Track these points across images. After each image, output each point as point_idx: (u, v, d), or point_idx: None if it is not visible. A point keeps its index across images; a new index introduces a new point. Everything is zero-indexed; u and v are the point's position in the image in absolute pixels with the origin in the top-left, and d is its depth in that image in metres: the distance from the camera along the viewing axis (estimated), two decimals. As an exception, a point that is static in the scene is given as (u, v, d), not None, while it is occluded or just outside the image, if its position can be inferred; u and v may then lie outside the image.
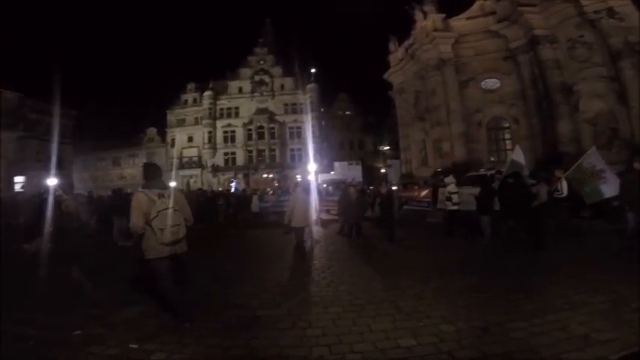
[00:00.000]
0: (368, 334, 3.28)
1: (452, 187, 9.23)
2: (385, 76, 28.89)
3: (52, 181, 12.54)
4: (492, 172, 14.08)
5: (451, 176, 9.85)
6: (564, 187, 7.96)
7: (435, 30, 22.21)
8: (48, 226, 7.17)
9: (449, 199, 9.07)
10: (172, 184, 30.05)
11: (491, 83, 21.72)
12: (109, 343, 3.18)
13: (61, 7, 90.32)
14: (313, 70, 45.39)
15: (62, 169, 33.09)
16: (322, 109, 47.97)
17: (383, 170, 37.96)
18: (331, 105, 51.47)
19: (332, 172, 32.28)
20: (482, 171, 16.15)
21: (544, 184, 7.92)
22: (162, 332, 3.39)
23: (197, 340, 3.21)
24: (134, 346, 3.11)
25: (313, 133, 44.53)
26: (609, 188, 7.31)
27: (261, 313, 3.92)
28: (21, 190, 29.98)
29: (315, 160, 26.19)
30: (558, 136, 18.37)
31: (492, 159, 21.44)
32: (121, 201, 10.33)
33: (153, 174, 3.79)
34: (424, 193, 13.63)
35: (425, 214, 12.36)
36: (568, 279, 4.68)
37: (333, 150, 49.17)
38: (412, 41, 24.68)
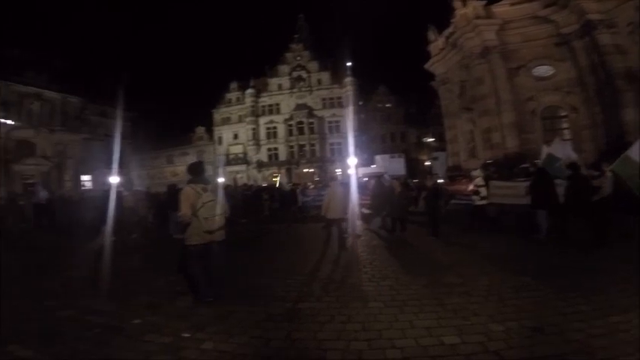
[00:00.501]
0: (410, 331, 3.25)
1: (479, 181, 8.88)
2: (426, 66, 27.90)
3: (114, 179, 13.56)
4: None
5: (479, 170, 9.43)
6: (608, 184, 7.23)
7: (477, 17, 21.11)
8: (111, 219, 7.90)
9: (476, 192, 8.78)
10: (221, 179, 31.46)
11: (544, 70, 20.34)
12: (164, 331, 3.42)
13: (111, 18, 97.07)
14: (349, 64, 44.95)
15: (122, 168, 35.84)
16: (361, 103, 47.61)
17: (427, 163, 36.88)
18: (370, 98, 50.74)
19: (373, 166, 31.88)
20: (537, 162, 15.17)
21: (606, 177, 7.22)
22: (212, 322, 3.61)
23: (242, 330, 3.38)
24: (186, 335, 3.33)
25: (352, 126, 44.31)
26: None
27: (302, 306, 4.03)
28: (88, 187, 33.10)
29: (355, 153, 25.94)
30: (624, 125, 16.78)
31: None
32: (175, 196, 10.94)
33: (198, 171, 4.35)
34: (472, 186, 13.01)
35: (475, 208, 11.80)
36: (629, 279, 4.28)
37: (374, 143, 48.49)
38: (453, 30, 23.64)
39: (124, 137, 39.36)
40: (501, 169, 16.96)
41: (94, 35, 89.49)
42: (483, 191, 8.72)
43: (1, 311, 3.94)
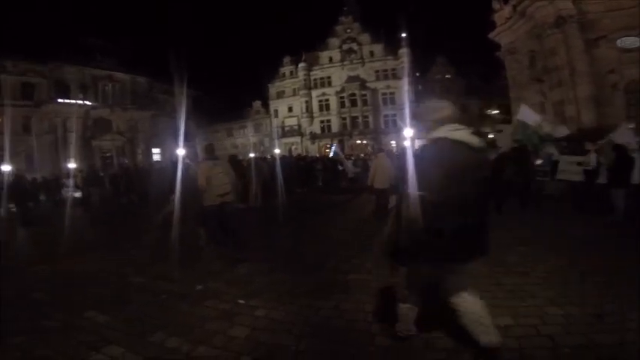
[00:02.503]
0: (462, 309, 3.15)
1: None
2: (491, 35, 25.91)
3: (181, 152, 14.44)
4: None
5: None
6: (592, 159, 7.84)
7: None
8: (179, 190, 8.48)
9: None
10: (277, 151, 32.36)
11: (630, 42, 17.98)
12: (223, 297, 3.67)
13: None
14: (404, 35, 42.87)
15: (188, 141, 38.34)
16: (417, 74, 45.62)
17: (491, 136, 34.38)
18: (428, 69, 48.17)
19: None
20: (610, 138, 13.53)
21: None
22: (266, 290, 3.81)
23: (293, 299, 3.52)
24: (242, 301, 3.55)
25: (408, 98, 42.60)
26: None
27: (352, 277, 4.08)
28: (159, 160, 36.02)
29: (413, 125, 24.92)
30: None
31: (631, 126, 17.90)
32: (235, 167, 11.42)
33: (209, 150, 5.51)
34: (541, 161, 11.93)
35: (541, 185, 10.90)
36: None
37: (432, 115, 46.25)
38: None
39: (187, 113, 41.87)
40: (574, 144, 15.45)
41: (156, 18, 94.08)
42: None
43: (80, 279, 4.50)
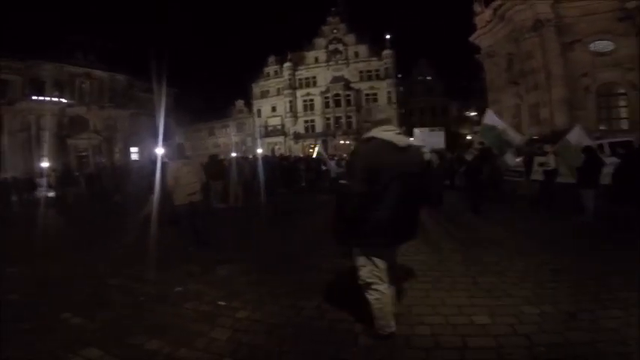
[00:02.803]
0: (440, 308, 3.21)
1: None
2: (472, 38, 26.51)
3: (159, 151, 14.15)
4: (600, 142, 12.25)
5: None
6: (551, 160, 8.37)
7: None
8: (158, 189, 8.30)
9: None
10: (259, 150, 32.09)
11: (603, 45, 18.73)
12: (203, 299, 3.62)
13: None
14: (388, 36, 43.93)
15: (167, 140, 37.54)
16: (400, 75, 46.29)
17: (469, 137, 35.25)
18: (410, 71, 48.97)
19: (411, 139, 31.02)
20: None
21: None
22: (247, 290, 3.78)
23: (274, 299, 3.51)
24: (223, 303, 3.50)
25: (390, 99, 43.34)
26: None
27: (334, 277, 4.07)
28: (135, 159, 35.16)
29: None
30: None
31: (602, 127, 18.63)
32: (216, 166, 11.15)
33: (181, 151, 5.81)
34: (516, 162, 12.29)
35: (515, 185, 11.24)
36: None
37: (413, 116, 47.06)
38: (501, 1, 22.03)
39: (168, 112, 41.02)
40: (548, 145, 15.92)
41: (136, 15, 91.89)
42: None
43: (54, 280, 4.36)
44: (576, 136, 9.08)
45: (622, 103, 18.75)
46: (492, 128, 9.61)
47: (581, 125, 8.94)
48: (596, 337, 2.62)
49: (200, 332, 2.92)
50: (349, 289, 3.63)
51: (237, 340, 2.79)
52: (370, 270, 2.51)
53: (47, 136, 30.04)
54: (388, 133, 2.43)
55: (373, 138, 2.44)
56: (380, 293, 2.53)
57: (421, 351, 2.55)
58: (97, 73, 34.69)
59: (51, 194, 14.63)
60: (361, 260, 2.54)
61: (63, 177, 14.47)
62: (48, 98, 30.61)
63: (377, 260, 2.50)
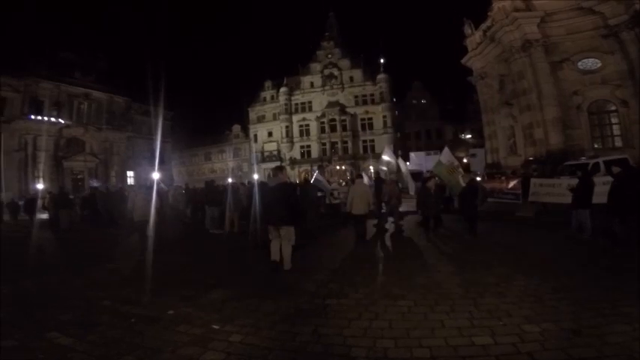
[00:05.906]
0: (440, 330, 3.15)
1: None
2: (463, 61, 27.02)
3: (156, 175, 14.15)
4: (595, 160, 12.43)
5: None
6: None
7: (516, 10, 20.02)
8: (154, 214, 8.26)
9: None
10: (255, 176, 32.11)
11: (590, 63, 19.04)
12: (196, 322, 3.53)
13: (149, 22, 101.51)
14: (382, 60, 44.82)
15: (163, 164, 37.53)
16: (394, 99, 46.92)
17: (465, 160, 35.57)
18: (405, 94, 49.92)
19: (407, 163, 31.27)
20: (583, 159, 14.24)
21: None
22: (242, 315, 3.68)
23: (270, 324, 3.42)
24: (216, 327, 3.41)
25: (385, 123, 43.93)
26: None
27: (330, 302, 4.00)
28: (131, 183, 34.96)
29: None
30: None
31: (596, 146, 18.76)
32: (212, 192, 11.26)
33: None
34: (512, 184, 12.39)
35: (512, 208, 11.27)
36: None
37: (408, 140, 47.65)
38: (490, 23, 22.69)
39: (164, 135, 41.26)
40: (544, 166, 16.01)
41: (137, 37, 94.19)
42: None
43: (44, 300, 4.24)
44: (447, 156, 10.70)
45: (614, 120, 18.88)
46: (441, 164, 10.76)
47: (447, 146, 10.49)
48: (603, 352, 2.58)
49: (192, 356, 2.83)
50: (345, 314, 3.58)
51: (230, 365, 2.69)
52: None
53: (43, 157, 29.89)
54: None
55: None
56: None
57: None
58: (96, 94, 34.80)
59: (44, 216, 14.50)
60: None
61: (58, 199, 14.32)
62: (46, 118, 30.63)
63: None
